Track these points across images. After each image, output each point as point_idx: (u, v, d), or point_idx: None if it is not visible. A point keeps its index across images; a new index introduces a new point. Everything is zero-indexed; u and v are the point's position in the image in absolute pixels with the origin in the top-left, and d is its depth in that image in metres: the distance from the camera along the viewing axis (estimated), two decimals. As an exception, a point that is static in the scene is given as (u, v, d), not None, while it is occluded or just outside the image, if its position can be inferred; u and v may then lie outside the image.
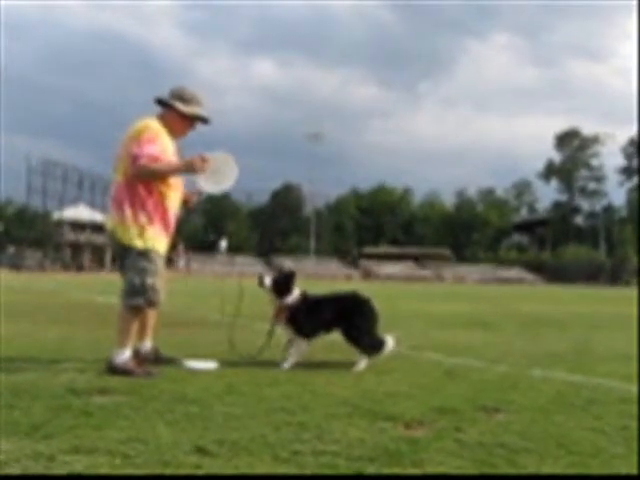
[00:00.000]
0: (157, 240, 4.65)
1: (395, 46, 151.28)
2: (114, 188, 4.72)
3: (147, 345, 4.97)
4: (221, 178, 4.84)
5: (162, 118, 4.78)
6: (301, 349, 4.92)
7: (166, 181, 4.67)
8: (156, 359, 4.92)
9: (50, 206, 66.55)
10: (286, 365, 4.80)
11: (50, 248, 62.05)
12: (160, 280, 4.66)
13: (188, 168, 4.66)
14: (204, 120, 4.93)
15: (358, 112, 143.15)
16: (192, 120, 4.87)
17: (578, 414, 3.55)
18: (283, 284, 4.98)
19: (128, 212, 4.57)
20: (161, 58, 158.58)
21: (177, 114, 4.78)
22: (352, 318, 5.00)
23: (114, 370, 4.39)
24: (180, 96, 4.78)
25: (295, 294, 4.99)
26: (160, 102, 4.82)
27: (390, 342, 5.06)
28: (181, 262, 46.84)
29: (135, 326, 4.63)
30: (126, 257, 4.63)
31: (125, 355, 4.48)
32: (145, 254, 4.57)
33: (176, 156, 4.81)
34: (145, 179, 4.58)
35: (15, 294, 14.82)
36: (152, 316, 4.94)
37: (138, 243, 4.56)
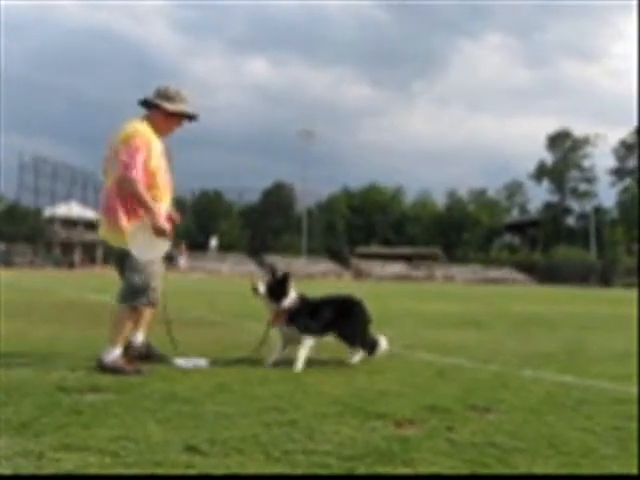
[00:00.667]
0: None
1: (388, 45, 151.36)
2: (105, 194, 4.74)
3: (139, 338, 4.99)
4: (151, 248, 4.69)
5: (149, 119, 4.81)
6: (308, 346, 4.82)
7: (157, 184, 4.69)
8: (147, 355, 4.94)
9: (41, 203, 66.37)
10: (299, 365, 4.70)
11: (41, 245, 61.79)
12: (158, 280, 4.73)
13: (156, 224, 4.56)
14: (191, 117, 4.96)
15: (351, 111, 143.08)
16: (179, 118, 4.90)
17: (569, 414, 3.56)
18: (278, 288, 4.87)
19: (124, 217, 4.61)
20: (155, 57, 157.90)
21: (163, 113, 4.81)
22: (348, 320, 5.04)
23: (104, 368, 4.38)
24: (165, 95, 4.81)
25: (292, 296, 4.91)
26: (145, 103, 4.85)
27: (383, 343, 5.14)
28: (182, 261, 46.67)
29: (130, 326, 4.67)
30: (125, 259, 4.65)
31: (115, 353, 4.48)
32: None
33: (164, 156, 4.84)
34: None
35: (9, 292, 14.73)
36: (150, 313, 4.98)
37: None
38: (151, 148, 4.64)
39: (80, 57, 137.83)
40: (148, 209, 4.58)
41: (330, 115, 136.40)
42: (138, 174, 4.51)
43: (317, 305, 5.06)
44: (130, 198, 4.59)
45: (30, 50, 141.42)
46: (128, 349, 4.79)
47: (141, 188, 4.53)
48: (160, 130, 4.83)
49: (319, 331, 4.96)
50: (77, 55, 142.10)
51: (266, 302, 4.94)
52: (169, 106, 4.79)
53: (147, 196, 4.57)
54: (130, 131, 4.63)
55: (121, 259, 4.70)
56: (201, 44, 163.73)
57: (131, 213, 4.62)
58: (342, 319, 5.02)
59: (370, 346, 5.09)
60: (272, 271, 4.98)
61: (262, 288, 4.86)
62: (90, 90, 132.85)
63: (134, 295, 4.60)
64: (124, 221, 4.60)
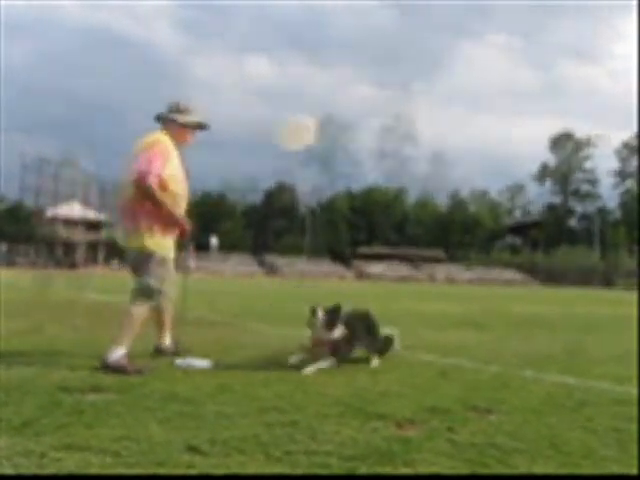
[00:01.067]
0: (170, 248, 4.93)
1: (391, 45, 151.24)
2: (127, 200, 4.84)
3: (168, 340, 5.27)
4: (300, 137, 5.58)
5: (167, 131, 5.02)
6: (330, 364, 4.92)
7: (169, 192, 4.79)
8: (177, 352, 5.17)
9: (43, 203, 66.40)
10: (307, 371, 4.71)
11: (43, 245, 61.82)
12: (169, 284, 4.92)
13: (176, 225, 4.89)
14: (203, 126, 5.25)
15: (352, 111, 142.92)
16: (193, 128, 5.16)
17: (570, 415, 3.56)
18: (332, 318, 4.99)
19: (144, 224, 4.74)
20: (155, 57, 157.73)
21: (178, 126, 5.05)
22: (367, 334, 5.33)
23: (107, 367, 4.40)
24: (177, 109, 5.08)
25: (340, 329, 5.00)
26: (160, 118, 5.09)
27: (396, 340, 5.64)
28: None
29: (138, 327, 4.71)
30: (142, 262, 4.77)
31: (119, 353, 4.50)
32: (162, 262, 4.80)
33: (182, 168, 5.03)
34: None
35: (10, 292, 14.75)
36: (168, 313, 5.21)
37: (157, 252, 4.76)
38: (168, 157, 4.82)
39: (80, 57, 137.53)
40: (168, 214, 4.78)
41: (331, 115, 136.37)
42: (154, 180, 4.64)
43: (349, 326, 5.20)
44: (151, 210, 4.71)
45: (30, 50, 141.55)
46: (162, 352, 5.16)
47: (159, 195, 4.68)
48: (178, 141, 5.05)
49: (347, 351, 5.16)
50: (77, 55, 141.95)
51: (318, 327, 4.98)
52: (183, 118, 5.05)
53: (165, 202, 4.74)
54: (152, 140, 4.83)
55: (138, 261, 4.80)
56: (202, 44, 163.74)
57: (153, 222, 4.74)
58: (363, 335, 5.31)
59: (380, 347, 5.40)
60: (323, 306, 5.05)
61: (321, 314, 4.96)
62: (90, 90, 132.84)
63: (145, 297, 4.72)
64: (141, 224, 4.73)
